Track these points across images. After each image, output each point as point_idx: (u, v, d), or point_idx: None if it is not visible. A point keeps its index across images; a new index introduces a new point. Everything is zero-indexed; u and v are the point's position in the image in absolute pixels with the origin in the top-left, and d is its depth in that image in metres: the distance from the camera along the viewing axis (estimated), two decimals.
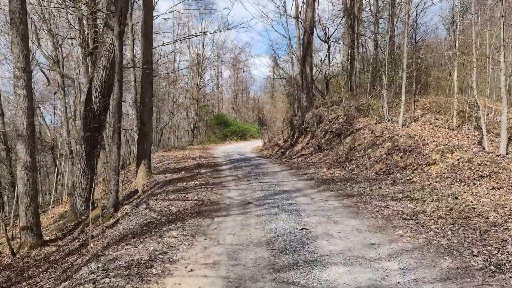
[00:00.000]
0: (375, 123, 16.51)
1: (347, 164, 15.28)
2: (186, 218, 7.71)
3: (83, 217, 11.89)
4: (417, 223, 6.56)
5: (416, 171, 12.84)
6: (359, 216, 7.20)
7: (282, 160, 18.15)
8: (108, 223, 10.29)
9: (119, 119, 10.86)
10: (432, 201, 8.25)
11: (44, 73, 30.96)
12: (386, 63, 16.50)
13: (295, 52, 23.46)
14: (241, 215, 7.69)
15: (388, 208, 7.68)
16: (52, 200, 16.58)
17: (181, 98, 44.00)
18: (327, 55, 23.47)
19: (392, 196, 8.78)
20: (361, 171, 14.23)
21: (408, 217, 6.95)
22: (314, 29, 22.70)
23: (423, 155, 13.26)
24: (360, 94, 18.56)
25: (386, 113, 16.20)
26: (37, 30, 25.87)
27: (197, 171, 13.95)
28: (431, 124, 15.71)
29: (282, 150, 21.09)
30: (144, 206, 9.55)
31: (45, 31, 25.66)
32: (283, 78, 24.63)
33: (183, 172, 13.64)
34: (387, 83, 16.57)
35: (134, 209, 9.93)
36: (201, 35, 16.55)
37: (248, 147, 28.80)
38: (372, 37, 23.72)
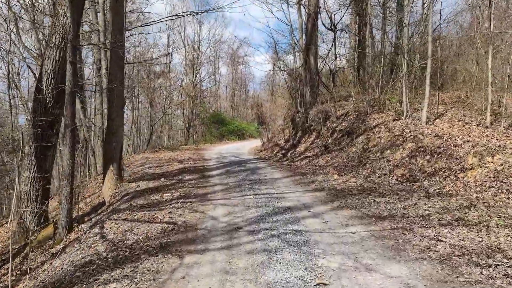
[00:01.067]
0: (393, 120, 14.02)
1: (360, 169, 12.80)
2: (143, 256, 5.20)
3: (32, 238, 9.41)
4: (504, 275, 4.06)
5: (448, 178, 10.42)
6: (403, 257, 4.70)
7: (283, 163, 15.65)
8: (57, 247, 7.83)
9: (72, 112, 8.37)
10: (498, 227, 5.77)
11: (30, 68, 28.49)
12: (405, 50, 14.00)
13: (297, 42, 20.95)
14: (224, 252, 5.19)
15: (442, 241, 5.18)
16: (13, 210, 14.05)
17: (176, 96, 41.57)
18: (333, 45, 20.96)
19: (438, 219, 6.29)
20: (379, 177, 11.78)
21: (482, 261, 4.46)
22: (319, 15, 20.20)
23: (456, 158, 10.82)
24: (372, 87, 16.07)
25: (406, 108, 13.71)
26: (17, 20, 23.41)
27: (180, 178, 11.43)
28: (459, 121, 13.20)
29: (283, 152, 18.60)
30: (97, 229, 7.06)
31: (29, 22, 23.20)
32: (284, 71, 22.10)
33: (162, 179, 11.13)
34: (406, 72, 14.07)
35: (88, 232, 7.45)
36: (188, 15, 14.06)
37: (245, 148, 26.31)
38: (381, 27, 21.24)
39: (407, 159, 11.79)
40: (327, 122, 17.16)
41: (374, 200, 7.81)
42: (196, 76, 41.47)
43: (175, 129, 43.92)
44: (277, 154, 18.89)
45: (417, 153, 11.70)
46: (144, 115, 39.73)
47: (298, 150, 17.61)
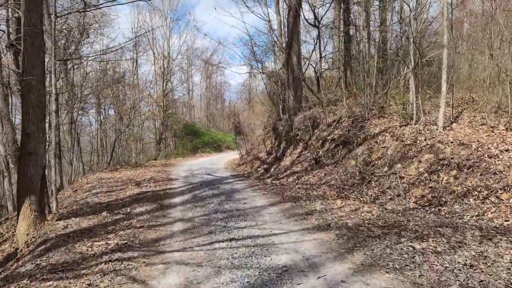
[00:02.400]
0: (400, 126, 11.43)
1: (364, 188, 10.14)
2: None
3: None
4: None
5: (487, 200, 7.92)
6: None
7: (266, 181, 12.83)
8: None
9: None
10: None
11: None
12: (413, 38, 11.44)
13: (277, 39, 18.30)
14: None
15: None
16: None
17: (145, 106, 38.45)
18: (317, 43, 18.43)
19: None
20: (391, 199, 9.19)
21: None
22: (301, 10, 17.64)
23: (495, 173, 8.32)
24: (371, 87, 13.42)
25: (415, 111, 11.16)
26: None
27: (129, 210, 8.44)
28: (482, 124, 10.68)
29: (265, 166, 15.78)
30: None
31: None
32: (263, 73, 19.36)
33: (104, 214, 8.13)
34: (414, 67, 11.54)
35: None
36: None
37: (221, 161, 23.43)
38: (365, 25, 18.80)
39: (426, 175, 9.17)
40: (316, 130, 14.47)
41: (413, 248, 5.05)
42: (166, 85, 38.47)
43: (147, 142, 40.65)
44: (258, 169, 16.07)
45: (439, 167, 9.10)
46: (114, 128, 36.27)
47: (283, 165, 14.82)
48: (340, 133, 13.25)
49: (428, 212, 8.16)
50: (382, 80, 13.64)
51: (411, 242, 5.27)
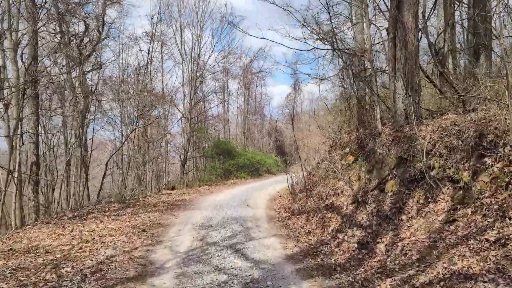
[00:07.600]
0: None
1: None
2: None
3: None
4: None
5: None
6: None
7: None
8: None
9: None
10: None
11: None
12: None
13: None
14: None
15: None
16: None
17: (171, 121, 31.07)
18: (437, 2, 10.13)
19: None
20: None
21: None
22: None
23: None
24: None
25: None
26: None
27: None
28: None
29: (360, 234, 7.36)
30: None
31: None
32: (339, 50, 10.81)
33: None
34: None
35: None
36: None
37: (262, 197, 15.35)
38: None
39: None
40: (486, 159, 5.98)
41: None
42: (195, 94, 30.85)
43: (175, 162, 32.95)
44: (339, 237, 7.75)
45: None
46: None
47: (409, 238, 6.42)
48: None
49: None
50: None
51: None
